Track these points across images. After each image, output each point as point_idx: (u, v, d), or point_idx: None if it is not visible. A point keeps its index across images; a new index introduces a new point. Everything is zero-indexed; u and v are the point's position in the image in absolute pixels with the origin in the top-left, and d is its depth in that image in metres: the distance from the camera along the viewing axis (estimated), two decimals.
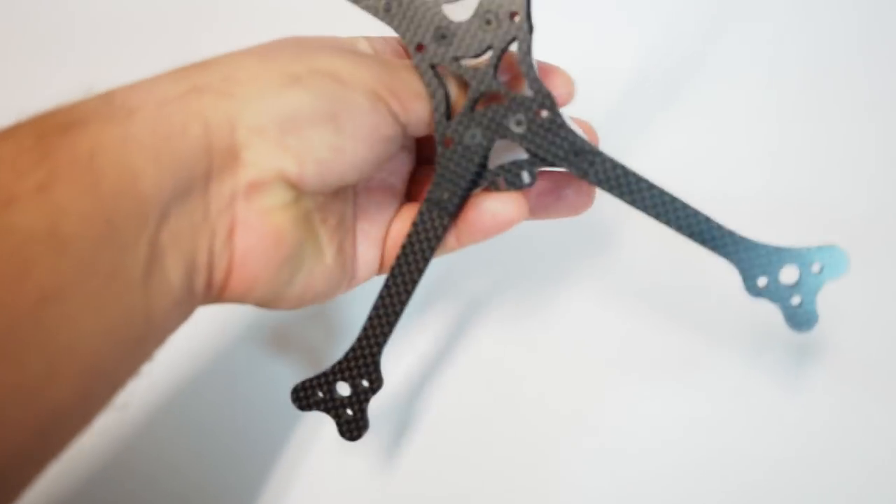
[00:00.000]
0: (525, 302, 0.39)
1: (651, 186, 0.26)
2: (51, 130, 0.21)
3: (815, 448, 0.34)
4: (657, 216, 0.26)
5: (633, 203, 0.27)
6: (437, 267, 0.30)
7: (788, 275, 0.26)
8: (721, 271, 0.28)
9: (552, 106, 0.27)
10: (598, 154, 0.27)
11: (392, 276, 0.28)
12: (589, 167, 0.27)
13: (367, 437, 0.34)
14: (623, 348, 0.37)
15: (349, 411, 0.29)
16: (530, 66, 0.26)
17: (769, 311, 0.27)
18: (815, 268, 0.26)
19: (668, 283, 0.38)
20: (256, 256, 0.25)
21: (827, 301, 0.26)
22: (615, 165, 0.26)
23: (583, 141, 0.27)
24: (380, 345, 0.28)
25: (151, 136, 0.22)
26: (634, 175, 0.26)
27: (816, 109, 0.41)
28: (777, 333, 0.36)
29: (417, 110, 0.27)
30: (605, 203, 0.29)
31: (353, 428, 0.29)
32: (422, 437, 0.36)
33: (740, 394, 0.36)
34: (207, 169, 0.23)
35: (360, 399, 0.29)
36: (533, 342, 0.38)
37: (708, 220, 0.26)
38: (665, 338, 0.37)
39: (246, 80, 0.24)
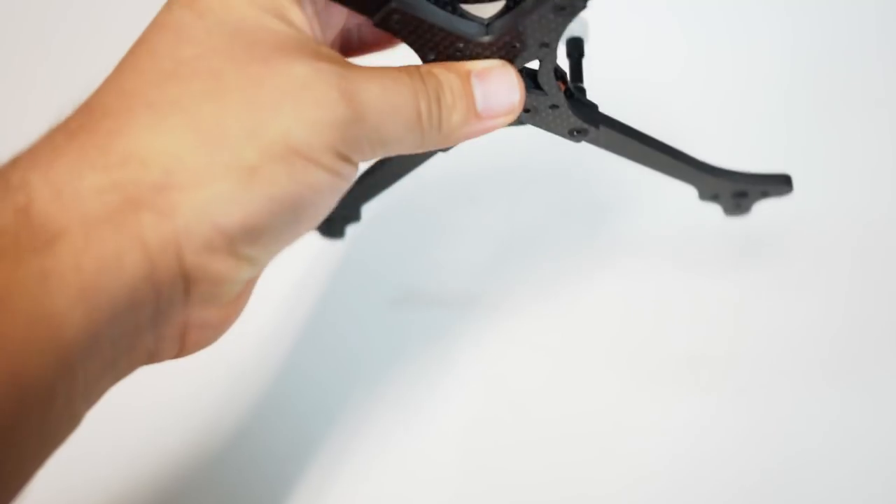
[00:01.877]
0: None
1: (643, 143, 0.30)
2: None
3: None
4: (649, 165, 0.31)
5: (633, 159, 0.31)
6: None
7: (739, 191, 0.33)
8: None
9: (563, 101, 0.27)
10: (592, 129, 0.28)
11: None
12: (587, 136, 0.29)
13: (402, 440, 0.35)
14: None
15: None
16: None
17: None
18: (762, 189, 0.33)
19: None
20: (209, 335, 0.23)
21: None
22: (610, 133, 0.29)
23: (580, 119, 0.28)
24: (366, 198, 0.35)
25: (76, 272, 0.18)
26: (631, 136, 0.30)
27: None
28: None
29: (391, 131, 0.23)
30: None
31: (324, 227, 0.36)
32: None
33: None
34: (154, 304, 0.20)
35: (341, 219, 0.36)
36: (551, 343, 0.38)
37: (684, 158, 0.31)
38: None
39: (189, 184, 0.20)
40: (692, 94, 0.44)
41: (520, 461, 0.35)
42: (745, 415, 0.35)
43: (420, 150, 0.25)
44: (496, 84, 0.25)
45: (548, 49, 0.25)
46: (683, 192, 0.34)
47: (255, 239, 0.21)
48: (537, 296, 0.39)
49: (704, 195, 0.34)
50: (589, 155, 0.31)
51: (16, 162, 0.20)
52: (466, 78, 0.24)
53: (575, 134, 0.28)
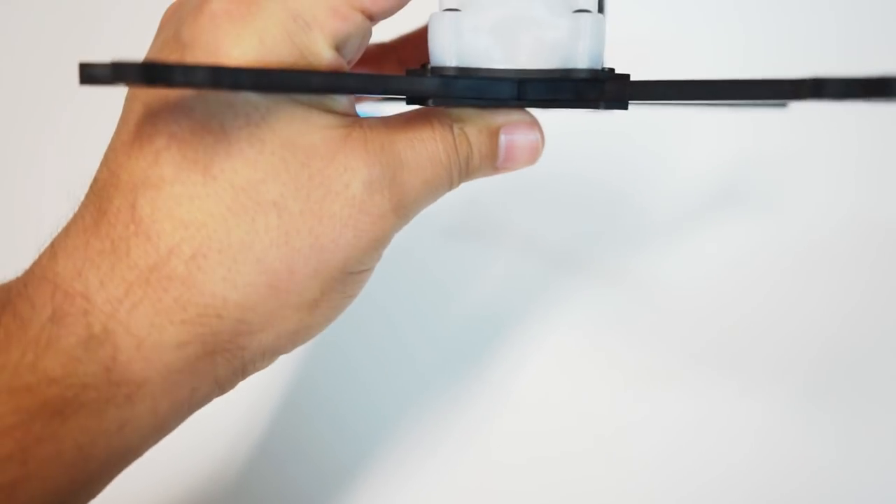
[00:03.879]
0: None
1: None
2: (37, 412, 0.18)
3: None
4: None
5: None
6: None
7: None
8: None
9: None
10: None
11: None
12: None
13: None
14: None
15: None
16: None
17: None
18: None
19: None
20: None
21: None
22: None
23: None
24: None
25: (153, 416, 0.20)
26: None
27: None
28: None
29: (422, 208, 0.24)
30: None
31: None
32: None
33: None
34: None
35: None
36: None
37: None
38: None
39: (259, 327, 0.21)
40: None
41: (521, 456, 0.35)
42: (746, 415, 0.35)
43: None
44: (520, 140, 0.25)
45: None
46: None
47: (287, 347, 0.23)
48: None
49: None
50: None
51: (89, 299, 0.19)
52: (495, 134, 0.25)
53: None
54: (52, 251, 0.20)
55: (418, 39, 0.29)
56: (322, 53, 0.21)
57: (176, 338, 0.20)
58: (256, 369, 0.23)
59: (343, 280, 0.22)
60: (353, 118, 0.22)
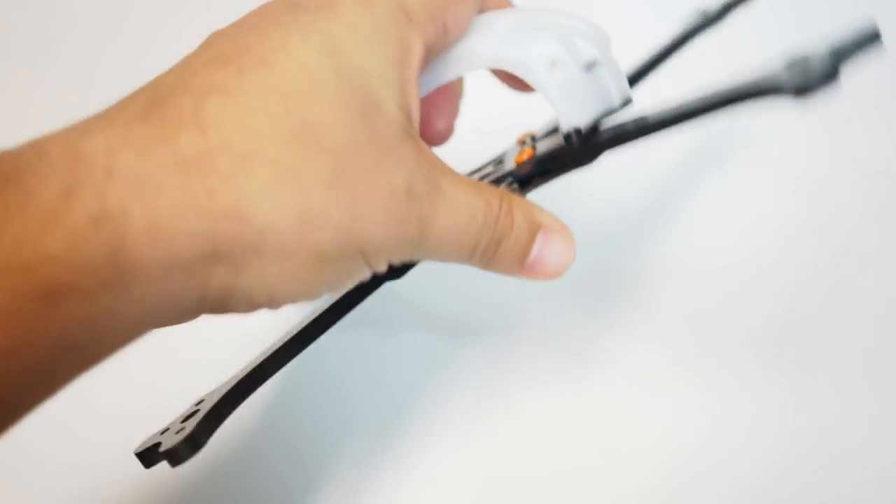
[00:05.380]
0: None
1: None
2: (29, 293, 0.17)
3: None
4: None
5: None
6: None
7: None
8: None
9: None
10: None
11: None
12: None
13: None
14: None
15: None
16: None
17: None
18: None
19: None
20: None
21: None
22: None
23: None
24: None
25: (140, 307, 0.19)
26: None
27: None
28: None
29: (440, 254, 0.24)
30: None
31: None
32: None
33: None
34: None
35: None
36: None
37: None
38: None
39: (270, 253, 0.20)
40: None
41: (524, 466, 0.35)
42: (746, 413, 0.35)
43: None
44: (555, 248, 0.25)
45: None
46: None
47: (280, 301, 0.22)
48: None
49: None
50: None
51: (113, 175, 0.18)
52: (535, 231, 0.25)
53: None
54: (84, 128, 0.19)
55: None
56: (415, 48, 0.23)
57: (192, 226, 0.19)
58: (237, 307, 0.21)
59: (355, 258, 0.22)
60: (415, 129, 0.23)
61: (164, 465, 0.24)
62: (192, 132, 0.19)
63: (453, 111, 0.31)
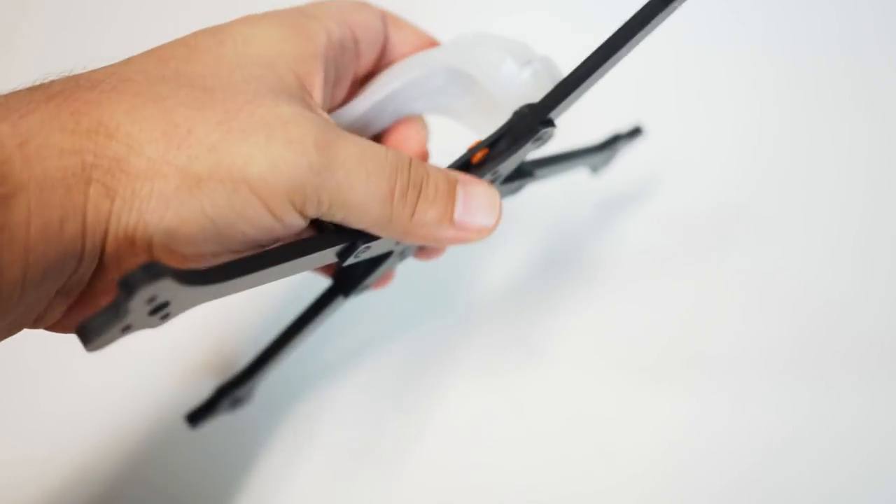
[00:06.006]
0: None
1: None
2: None
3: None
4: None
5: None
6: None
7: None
8: None
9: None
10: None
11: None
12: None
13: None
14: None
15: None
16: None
17: None
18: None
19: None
20: None
21: None
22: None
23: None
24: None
25: (25, 230, 0.19)
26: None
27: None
28: None
29: (357, 195, 0.23)
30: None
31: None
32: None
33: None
34: (72, 273, 0.21)
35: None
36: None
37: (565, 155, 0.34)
38: None
39: (137, 171, 0.20)
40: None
41: (516, 457, 0.35)
42: (736, 414, 0.35)
43: (381, 232, 0.24)
44: (479, 201, 0.25)
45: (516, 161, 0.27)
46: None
47: (173, 247, 0.21)
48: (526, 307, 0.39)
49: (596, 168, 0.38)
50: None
51: None
52: (454, 184, 0.25)
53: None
54: None
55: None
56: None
57: (61, 143, 0.20)
58: (114, 252, 0.21)
59: (236, 187, 0.21)
60: (310, 96, 0.24)
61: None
62: (67, 80, 0.21)
63: (421, 144, 0.30)
